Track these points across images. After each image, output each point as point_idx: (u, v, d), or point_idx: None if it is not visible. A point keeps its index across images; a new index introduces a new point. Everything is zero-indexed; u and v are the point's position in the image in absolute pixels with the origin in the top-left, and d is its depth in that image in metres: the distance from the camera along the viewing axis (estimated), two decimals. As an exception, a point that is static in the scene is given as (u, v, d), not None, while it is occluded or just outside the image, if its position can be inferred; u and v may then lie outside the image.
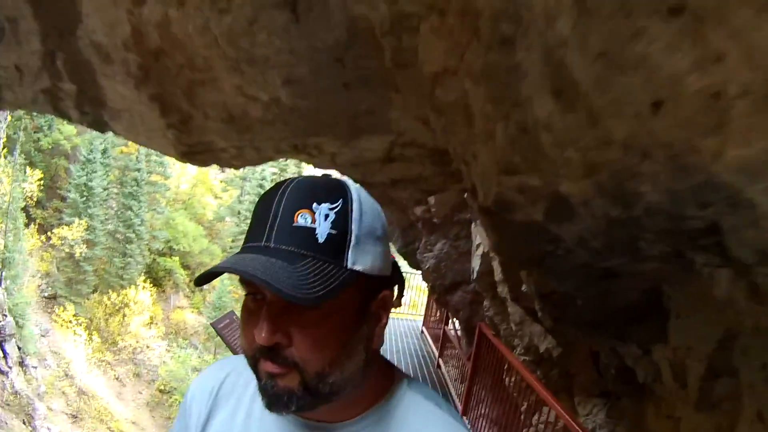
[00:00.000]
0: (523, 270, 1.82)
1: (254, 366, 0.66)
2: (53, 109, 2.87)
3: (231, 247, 28.31)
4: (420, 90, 1.50)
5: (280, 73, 1.69)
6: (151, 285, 23.68)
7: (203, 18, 1.70)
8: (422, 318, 8.66)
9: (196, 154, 2.22)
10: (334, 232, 0.61)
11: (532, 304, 2.29)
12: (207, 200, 31.18)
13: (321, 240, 0.61)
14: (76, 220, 21.19)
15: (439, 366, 6.45)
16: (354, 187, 0.66)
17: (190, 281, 26.91)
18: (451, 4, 1.19)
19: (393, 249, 7.04)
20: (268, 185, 29.08)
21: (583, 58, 0.84)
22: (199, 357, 23.23)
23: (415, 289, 10.88)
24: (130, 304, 21.77)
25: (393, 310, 0.77)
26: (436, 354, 6.71)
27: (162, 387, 21.86)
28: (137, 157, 24.48)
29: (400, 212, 5.77)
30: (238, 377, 0.80)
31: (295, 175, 0.70)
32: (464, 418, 4.53)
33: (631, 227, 1.06)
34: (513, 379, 3.60)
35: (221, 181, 32.51)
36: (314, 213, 0.61)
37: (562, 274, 1.63)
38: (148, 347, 22.50)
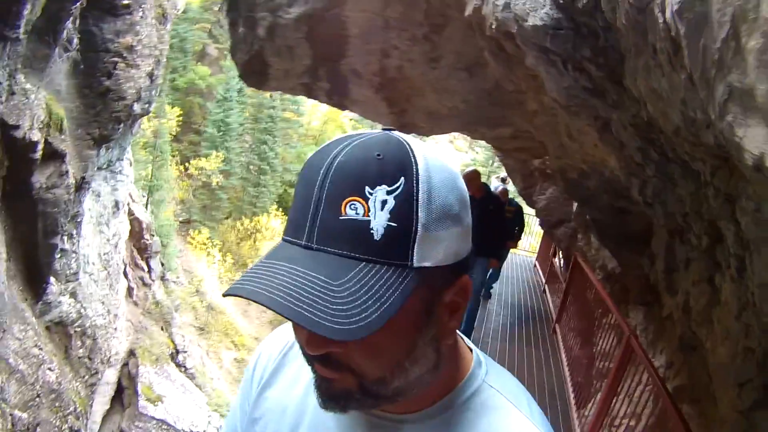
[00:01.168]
0: (580, 205, 3.77)
1: (307, 362, 0.62)
2: (307, 94, 5.21)
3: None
4: (525, 113, 3.47)
5: (459, 97, 3.74)
6: (282, 213, 28.08)
7: (422, 69, 3.78)
8: (535, 255, 11.28)
9: (401, 127, 4.43)
10: (394, 224, 0.52)
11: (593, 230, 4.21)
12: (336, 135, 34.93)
13: (377, 237, 0.52)
14: (214, 152, 25.71)
15: (544, 291, 8.51)
16: (421, 155, 0.56)
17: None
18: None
19: (513, 189, 9.19)
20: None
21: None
22: None
23: (535, 234, 12.96)
24: (261, 230, 26.30)
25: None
26: (544, 281, 8.78)
27: None
28: (271, 95, 28.48)
29: (521, 163, 7.69)
30: (299, 350, 0.69)
31: (349, 133, 0.61)
32: (556, 330, 6.54)
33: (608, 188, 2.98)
34: (592, 292, 5.47)
35: (350, 119, 36.06)
36: (367, 201, 0.52)
37: (596, 208, 3.55)
38: (273, 270, 26.89)
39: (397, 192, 0.53)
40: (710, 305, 2.29)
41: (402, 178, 0.53)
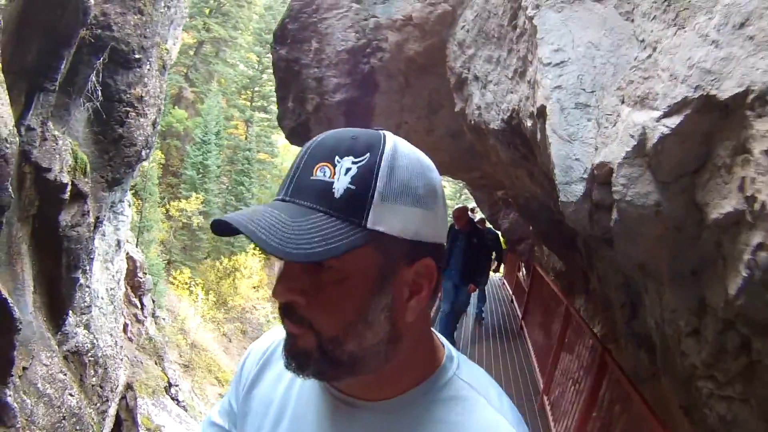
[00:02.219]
0: (529, 222, 5.22)
1: (282, 323, 0.69)
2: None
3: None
4: (489, 163, 4.93)
5: (447, 154, 5.18)
6: (260, 252, 28.88)
7: (423, 136, 5.19)
8: (503, 273, 12.60)
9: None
10: (353, 187, 0.61)
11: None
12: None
13: (337, 195, 0.61)
14: (193, 194, 26.67)
15: (512, 300, 9.93)
16: (393, 141, 0.65)
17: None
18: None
19: (480, 215, 10.78)
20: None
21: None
22: None
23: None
24: (240, 269, 27.07)
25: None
26: (511, 293, 10.22)
27: None
28: (247, 137, 29.82)
29: (488, 195, 9.26)
30: None
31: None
32: (523, 326, 7.92)
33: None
34: (548, 290, 6.88)
35: None
36: (335, 166, 0.62)
37: (541, 222, 4.98)
38: (254, 308, 27.87)
39: (361, 163, 0.62)
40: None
41: (368, 153, 0.62)
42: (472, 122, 3.79)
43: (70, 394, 9.42)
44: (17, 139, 6.86)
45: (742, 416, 1.75)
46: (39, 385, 8.56)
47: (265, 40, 32.72)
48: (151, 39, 11.08)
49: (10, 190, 6.81)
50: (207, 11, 30.90)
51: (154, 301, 20.65)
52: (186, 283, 26.10)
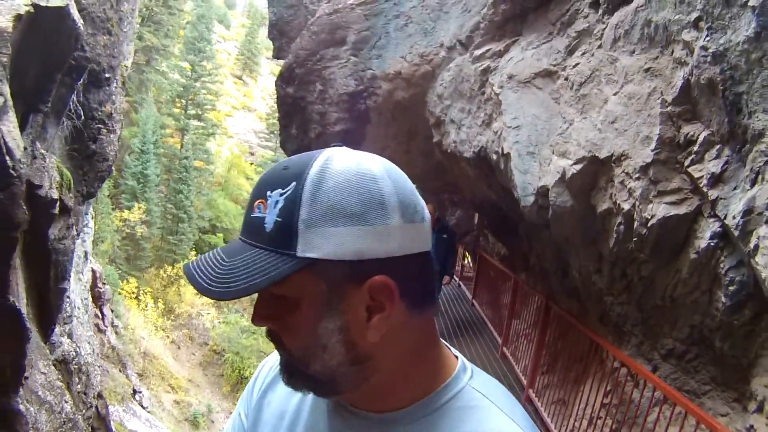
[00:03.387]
0: (480, 217, 6.91)
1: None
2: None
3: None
4: (452, 176, 6.55)
5: (419, 169, 6.70)
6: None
7: (401, 156, 6.66)
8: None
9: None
10: (279, 219, 0.63)
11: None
12: (241, 181, 36.93)
13: (268, 229, 0.63)
14: (135, 204, 26.57)
15: (459, 285, 11.69)
16: (322, 163, 0.65)
17: (233, 256, 32.78)
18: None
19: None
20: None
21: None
22: (246, 319, 28.64)
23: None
24: (184, 277, 27.10)
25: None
26: (458, 279, 12.01)
27: (214, 348, 27.07)
28: (183, 145, 29.93)
29: (437, 197, 10.95)
30: None
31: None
32: (474, 303, 9.65)
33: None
34: (495, 270, 8.61)
35: (251, 164, 38.28)
36: (266, 200, 0.65)
37: (490, 217, 6.66)
38: (199, 314, 28.11)
39: (287, 194, 0.63)
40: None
41: (294, 183, 0.63)
42: (449, 150, 5.38)
43: (65, 401, 9.99)
44: (28, 159, 7.50)
45: (629, 311, 3.42)
46: (40, 393, 9.07)
47: (198, 49, 32.87)
48: (118, 58, 11.62)
49: (24, 207, 7.51)
50: (140, 19, 30.59)
51: (112, 311, 20.61)
52: (134, 293, 25.93)
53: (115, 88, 11.68)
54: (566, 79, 3.53)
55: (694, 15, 2.34)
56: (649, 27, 2.83)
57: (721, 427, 2.48)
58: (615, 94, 3.00)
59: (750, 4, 1.99)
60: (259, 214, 0.65)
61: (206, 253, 0.68)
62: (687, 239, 2.66)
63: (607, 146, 2.98)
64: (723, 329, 2.58)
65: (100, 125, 11.19)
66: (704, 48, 2.24)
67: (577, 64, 3.47)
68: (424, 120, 5.85)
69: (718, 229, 2.45)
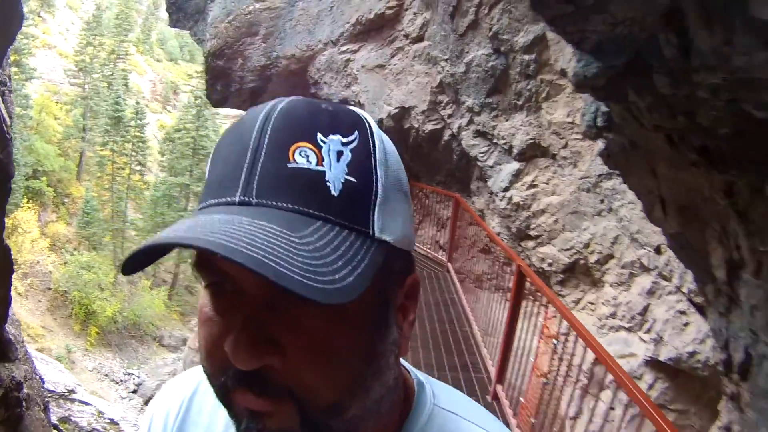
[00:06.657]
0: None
1: (224, 397, 0.45)
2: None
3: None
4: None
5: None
6: (35, 204, 28.41)
7: None
8: None
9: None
10: (353, 179, 0.43)
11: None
12: (51, 122, 34.89)
13: (335, 191, 0.42)
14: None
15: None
16: (367, 115, 0.48)
17: (55, 197, 31.98)
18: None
19: None
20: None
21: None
22: (82, 255, 28.71)
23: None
24: (21, 224, 26.43)
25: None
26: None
27: (58, 290, 26.85)
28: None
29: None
30: (205, 396, 0.61)
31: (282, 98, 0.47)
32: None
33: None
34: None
35: (58, 103, 35.91)
36: (320, 149, 0.42)
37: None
38: (38, 263, 27.54)
39: (353, 145, 0.43)
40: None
41: (356, 132, 0.44)
42: (321, 98, 9.52)
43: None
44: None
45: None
46: None
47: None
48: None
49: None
50: None
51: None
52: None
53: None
54: (390, 70, 7.98)
55: (447, 55, 6.95)
56: (429, 55, 7.43)
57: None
58: (413, 80, 7.58)
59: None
60: (309, 166, 0.42)
61: (213, 216, 0.41)
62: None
63: (408, 103, 7.57)
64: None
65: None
66: (446, 63, 6.94)
67: (396, 64, 7.91)
68: (306, 81, 9.75)
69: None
